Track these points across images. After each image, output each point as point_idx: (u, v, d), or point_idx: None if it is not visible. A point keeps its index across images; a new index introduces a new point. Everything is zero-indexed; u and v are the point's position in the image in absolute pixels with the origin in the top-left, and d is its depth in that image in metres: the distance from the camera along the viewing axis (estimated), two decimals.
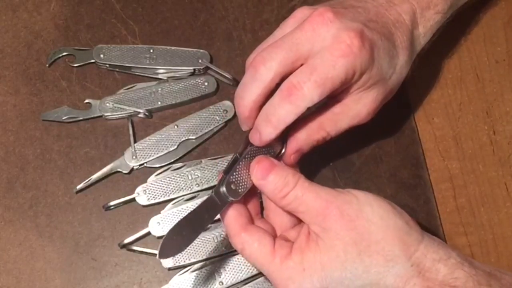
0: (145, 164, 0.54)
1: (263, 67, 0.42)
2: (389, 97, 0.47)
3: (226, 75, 0.56)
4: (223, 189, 0.42)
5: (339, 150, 0.56)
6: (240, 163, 0.43)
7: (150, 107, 0.56)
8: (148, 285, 0.52)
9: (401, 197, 0.55)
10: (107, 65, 0.57)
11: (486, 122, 0.58)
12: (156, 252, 0.51)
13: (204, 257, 0.51)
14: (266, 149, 0.44)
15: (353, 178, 0.55)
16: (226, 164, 0.47)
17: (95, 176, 0.54)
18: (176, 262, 0.51)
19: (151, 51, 0.57)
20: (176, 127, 0.55)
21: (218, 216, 0.52)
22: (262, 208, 0.47)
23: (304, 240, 0.41)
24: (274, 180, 0.41)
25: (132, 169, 0.54)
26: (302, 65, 0.42)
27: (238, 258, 0.51)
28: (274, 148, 0.45)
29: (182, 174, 0.53)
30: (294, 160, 0.45)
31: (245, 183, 0.43)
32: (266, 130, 0.42)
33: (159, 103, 0.56)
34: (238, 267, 0.51)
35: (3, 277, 0.52)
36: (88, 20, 0.59)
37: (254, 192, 0.45)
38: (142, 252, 0.52)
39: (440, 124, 0.57)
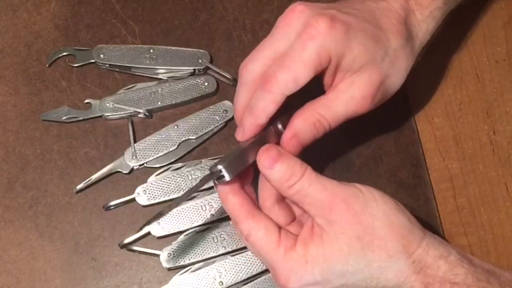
0: (145, 164, 0.54)
1: (245, 71, 0.44)
2: (388, 83, 0.46)
3: (226, 75, 0.56)
4: (220, 166, 0.40)
5: (339, 150, 0.56)
6: (243, 149, 0.42)
7: (150, 107, 0.56)
8: (148, 285, 0.52)
9: (401, 197, 0.55)
10: (107, 65, 0.57)
11: (486, 122, 0.58)
12: (157, 252, 0.51)
13: (204, 257, 0.51)
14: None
15: (353, 178, 0.55)
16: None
17: (95, 176, 0.54)
18: (176, 262, 0.51)
19: (151, 51, 0.57)
20: (176, 127, 0.55)
21: (217, 216, 0.52)
22: None
23: (308, 233, 0.41)
24: (281, 169, 0.41)
25: (132, 169, 0.54)
26: None
27: (238, 258, 0.51)
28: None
29: (182, 174, 0.53)
30: (293, 148, 0.44)
31: (241, 163, 0.42)
32: (247, 122, 0.43)
33: (159, 103, 0.56)
34: (238, 267, 0.51)
35: (3, 277, 0.52)
36: (88, 20, 0.59)
37: (256, 185, 0.45)
38: (142, 252, 0.52)
39: (440, 124, 0.57)
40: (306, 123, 0.44)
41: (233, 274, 0.51)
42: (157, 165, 0.54)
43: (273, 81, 0.42)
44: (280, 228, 0.42)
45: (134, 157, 0.54)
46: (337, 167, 0.56)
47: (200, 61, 0.57)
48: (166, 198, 0.53)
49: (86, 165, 0.55)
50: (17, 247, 0.53)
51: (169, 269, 0.51)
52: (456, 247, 0.42)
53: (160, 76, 0.57)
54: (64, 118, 0.55)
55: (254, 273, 0.51)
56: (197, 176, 0.53)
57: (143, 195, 0.53)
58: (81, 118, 0.55)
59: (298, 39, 0.42)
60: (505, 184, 0.56)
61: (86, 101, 0.56)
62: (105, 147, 0.55)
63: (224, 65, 0.58)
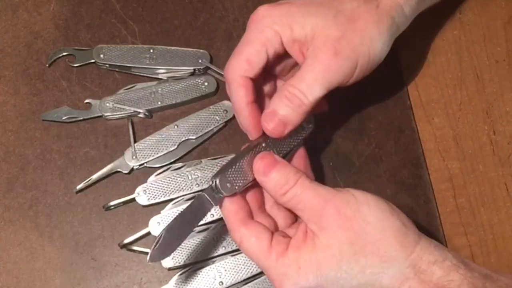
0: (145, 164, 0.54)
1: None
2: (353, 41, 0.43)
3: None
4: (217, 182, 0.42)
5: (339, 150, 0.56)
6: (240, 160, 0.43)
7: (150, 107, 0.56)
8: (148, 285, 0.52)
9: (401, 197, 0.55)
10: (107, 65, 0.57)
11: (486, 122, 0.58)
12: None
13: (204, 257, 0.51)
14: (270, 148, 0.45)
15: (353, 178, 0.55)
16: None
17: (95, 176, 0.54)
18: (176, 262, 0.51)
19: (151, 51, 0.57)
20: (176, 127, 0.55)
21: (218, 216, 0.52)
22: None
23: (301, 238, 0.41)
24: (276, 177, 0.42)
25: (132, 169, 0.54)
26: None
27: (238, 258, 0.51)
28: (279, 148, 0.45)
29: (182, 174, 0.53)
30: (274, 128, 0.44)
31: (242, 180, 0.43)
32: (240, 122, 0.45)
33: (159, 103, 0.56)
34: (238, 267, 0.51)
35: (3, 277, 0.52)
36: (88, 20, 0.59)
37: (257, 185, 0.45)
38: (142, 252, 0.52)
39: (440, 124, 0.57)
40: (280, 97, 0.44)
41: (233, 274, 0.51)
42: (157, 165, 0.54)
43: (228, 69, 0.44)
44: (273, 234, 0.42)
45: (134, 157, 0.54)
46: (337, 167, 0.56)
47: (200, 61, 0.57)
48: (166, 198, 0.53)
49: (86, 165, 0.55)
50: (17, 247, 0.53)
51: (169, 269, 0.51)
52: (453, 251, 0.42)
53: (160, 76, 0.57)
54: (64, 118, 0.55)
55: (254, 273, 0.51)
56: (197, 176, 0.53)
57: (143, 195, 0.53)
58: (81, 118, 0.55)
59: (246, 29, 0.45)
60: (505, 184, 0.56)
61: (86, 101, 0.56)
62: (105, 147, 0.55)
63: (224, 65, 0.57)
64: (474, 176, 0.56)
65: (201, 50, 0.57)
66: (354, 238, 0.40)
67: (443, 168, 0.56)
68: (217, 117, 0.56)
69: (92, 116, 0.56)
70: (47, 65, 0.57)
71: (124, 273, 0.52)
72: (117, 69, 0.57)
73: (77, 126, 0.56)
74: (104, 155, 0.55)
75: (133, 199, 0.53)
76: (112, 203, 0.53)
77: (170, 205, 0.53)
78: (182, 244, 0.51)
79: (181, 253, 0.51)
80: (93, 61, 0.57)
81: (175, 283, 0.50)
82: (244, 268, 0.51)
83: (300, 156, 0.48)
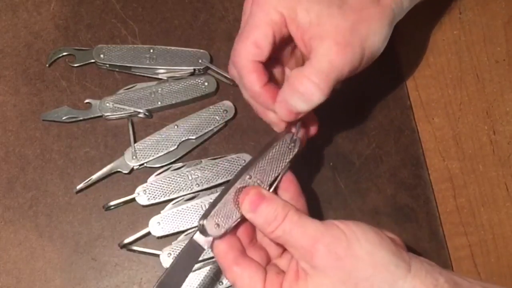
0: (145, 164, 0.54)
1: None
2: (362, 31, 0.43)
3: (226, 75, 0.56)
4: (204, 224, 0.41)
5: (339, 150, 0.56)
6: (224, 198, 0.42)
7: (150, 107, 0.56)
8: (148, 285, 0.52)
9: (401, 197, 0.55)
10: (107, 65, 0.57)
11: (486, 122, 0.58)
12: (157, 252, 0.51)
13: (204, 257, 0.51)
14: (254, 182, 0.43)
15: (353, 178, 0.55)
16: (226, 166, 0.46)
17: (95, 176, 0.54)
18: None
19: (151, 51, 0.57)
20: (176, 127, 0.55)
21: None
22: None
23: (293, 277, 0.41)
24: (264, 212, 0.41)
25: (132, 169, 0.54)
26: None
27: None
28: (264, 181, 0.44)
29: (182, 174, 0.53)
30: (286, 114, 0.43)
31: (229, 218, 0.42)
32: (259, 110, 0.44)
33: (159, 103, 0.56)
34: None
35: (3, 277, 0.52)
36: (88, 20, 0.59)
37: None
38: (142, 252, 0.52)
39: (440, 124, 0.57)
40: (291, 89, 0.43)
41: None
42: (157, 165, 0.54)
43: (236, 55, 0.43)
44: (266, 271, 0.42)
45: (134, 157, 0.54)
46: (337, 167, 0.56)
47: (200, 61, 0.57)
48: (166, 198, 0.53)
49: (86, 165, 0.55)
50: (17, 247, 0.53)
51: None
52: (444, 271, 0.41)
53: (160, 76, 0.57)
54: (64, 118, 0.55)
55: None
56: (197, 176, 0.53)
57: (143, 195, 0.53)
58: (81, 118, 0.55)
59: (250, 12, 0.43)
60: (505, 184, 0.56)
61: (86, 101, 0.56)
62: (105, 147, 0.55)
63: (224, 65, 0.57)
64: (474, 176, 0.56)
65: (201, 50, 0.57)
66: (346, 277, 0.39)
67: (443, 168, 0.56)
68: (217, 117, 0.56)
69: (92, 116, 0.56)
70: (47, 65, 0.57)
71: (124, 273, 0.52)
72: (117, 69, 0.57)
73: (77, 126, 0.56)
74: (104, 155, 0.55)
75: (133, 199, 0.53)
76: (112, 203, 0.53)
77: (170, 205, 0.53)
78: (182, 244, 0.51)
79: None
80: (93, 61, 0.57)
81: None
82: None
83: (289, 181, 0.45)
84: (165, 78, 0.57)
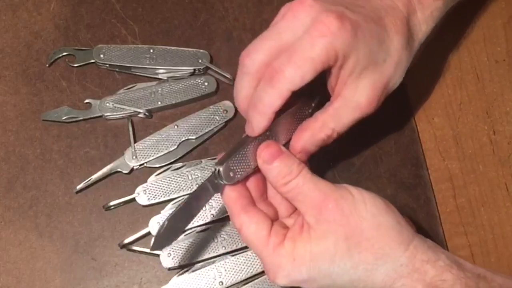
0: (145, 164, 0.54)
1: (247, 59, 0.43)
2: (390, 84, 0.46)
3: (226, 75, 0.56)
4: (220, 170, 0.42)
5: (339, 150, 0.56)
6: (243, 148, 0.43)
7: (150, 107, 0.56)
8: (148, 285, 0.52)
9: (401, 197, 0.55)
10: (107, 65, 0.57)
11: (486, 122, 0.58)
12: (157, 252, 0.51)
13: (204, 257, 0.51)
14: (273, 137, 0.45)
15: (353, 178, 0.55)
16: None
17: (95, 176, 0.54)
18: (176, 262, 0.51)
19: (151, 51, 0.57)
20: (176, 127, 0.55)
21: (218, 216, 0.52)
22: None
23: (297, 230, 0.41)
24: (279, 166, 0.42)
25: (132, 169, 0.54)
26: None
27: (238, 258, 0.51)
28: (282, 137, 0.45)
29: (182, 174, 0.53)
30: (301, 160, 0.45)
31: (244, 168, 0.43)
32: (255, 119, 0.43)
33: (159, 103, 0.56)
34: (238, 267, 0.51)
35: (3, 277, 0.52)
36: (88, 20, 0.59)
37: (259, 173, 0.45)
38: (142, 252, 0.52)
39: (440, 124, 0.57)
40: (315, 138, 0.44)
41: (233, 274, 0.51)
42: (157, 165, 0.54)
43: (280, 77, 0.41)
44: (272, 223, 0.43)
45: (134, 157, 0.54)
46: (337, 167, 0.56)
47: (200, 61, 0.57)
48: (166, 198, 0.53)
49: (86, 165, 0.55)
50: (17, 247, 0.53)
51: (169, 269, 0.51)
52: (446, 251, 0.42)
53: (160, 76, 0.57)
54: (64, 118, 0.55)
55: (254, 273, 0.51)
56: (197, 176, 0.53)
57: (143, 195, 0.53)
58: (81, 118, 0.55)
59: (307, 35, 0.41)
60: (505, 184, 0.56)
61: (86, 101, 0.56)
62: (105, 147, 0.55)
63: (224, 65, 0.58)
64: (474, 176, 0.56)
65: (201, 50, 0.57)
66: (349, 233, 0.40)
67: (443, 168, 0.56)
68: (217, 117, 0.56)
69: (92, 116, 0.56)
70: (47, 65, 0.57)
71: (124, 273, 0.52)
72: (117, 69, 0.57)
73: (77, 126, 0.56)
74: (104, 155, 0.55)
75: (133, 199, 0.53)
76: (112, 203, 0.53)
77: (170, 205, 0.53)
78: (182, 244, 0.51)
79: (181, 253, 0.51)
80: (93, 61, 0.57)
81: (175, 283, 0.50)
82: (244, 268, 0.51)
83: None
84: (165, 78, 0.57)
